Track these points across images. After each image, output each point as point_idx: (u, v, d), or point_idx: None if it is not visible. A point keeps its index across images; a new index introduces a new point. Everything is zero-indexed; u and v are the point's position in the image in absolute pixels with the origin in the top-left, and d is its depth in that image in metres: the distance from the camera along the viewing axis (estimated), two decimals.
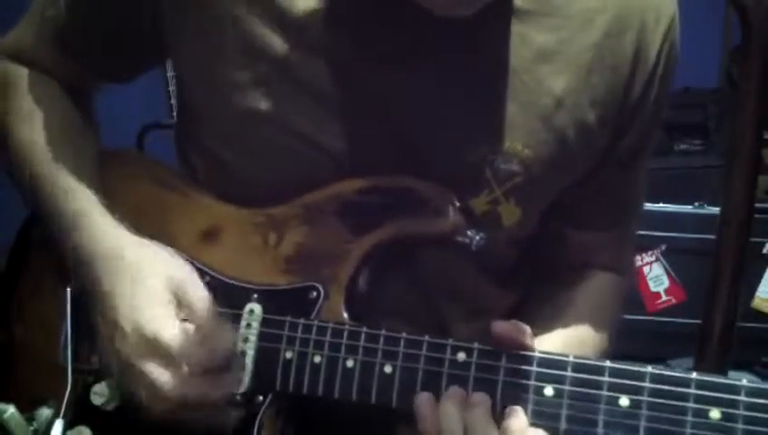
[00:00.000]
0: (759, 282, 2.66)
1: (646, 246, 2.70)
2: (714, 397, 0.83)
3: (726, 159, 1.50)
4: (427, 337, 0.91)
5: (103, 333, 0.95)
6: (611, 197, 1.09)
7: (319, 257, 0.97)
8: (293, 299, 0.96)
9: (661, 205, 2.69)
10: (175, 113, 1.28)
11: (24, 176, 1.04)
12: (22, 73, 1.09)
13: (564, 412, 0.86)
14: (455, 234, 0.95)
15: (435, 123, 0.97)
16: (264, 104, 0.97)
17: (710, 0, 3.19)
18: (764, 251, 2.66)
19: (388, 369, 0.91)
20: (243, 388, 0.94)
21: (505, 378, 0.88)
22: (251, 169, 1.01)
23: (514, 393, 0.88)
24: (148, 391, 0.91)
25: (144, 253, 0.96)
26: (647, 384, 0.85)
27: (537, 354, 0.88)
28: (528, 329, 0.89)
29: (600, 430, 0.85)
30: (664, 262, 2.72)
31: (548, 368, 0.88)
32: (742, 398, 0.82)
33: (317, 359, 0.93)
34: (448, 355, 0.90)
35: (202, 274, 0.98)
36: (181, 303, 0.94)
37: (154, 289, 0.93)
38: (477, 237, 0.95)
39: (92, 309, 0.97)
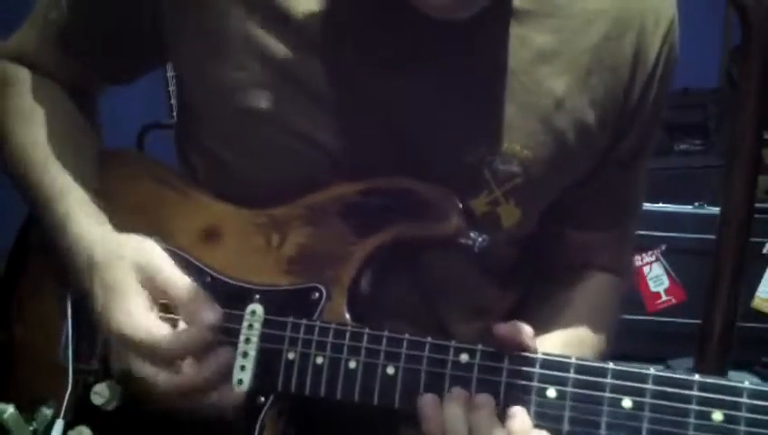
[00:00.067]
0: (759, 282, 2.67)
1: (646, 246, 2.71)
2: (716, 399, 0.83)
3: (726, 159, 1.51)
4: (429, 338, 0.91)
5: (102, 338, 0.97)
6: (611, 197, 1.09)
7: (321, 258, 0.97)
8: (296, 300, 0.96)
9: (661, 205, 2.70)
10: (175, 113, 1.28)
11: (23, 177, 1.04)
12: (23, 75, 1.09)
13: (567, 414, 0.86)
14: (457, 236, 0.95)
15: (434, 125, 0.97)
16: (263, 104, 0.97)
17: (710, 0, 3.20)
18: (764, 251, 2.67)
19: (390, 370, 0.91)
20: (245, 387, 0.94)
21: (508, 379, 0.88)
22: (251, 169, 1.01)
23: (517, 395, 0.88)
24: (142, 386, 0.92)
25: (110, 248, 0.96)
26: (649, 386, 0.85)
27: (540, 356, 0.88)
28: (530, 330, 0.89)
29: (602, 431, 0.85)
30: (664, 262, 2.72)
31: (551, 370, 0.88)
32: (744, 400, 0.82)
33: (319, 360, 0.93)
34: (451, 357, 0.90)
35: (203, 274, 0.99)
36: (155, 288, 0.94)
37: (124, 283, 0.93)
38: (480, 239, 0.95)
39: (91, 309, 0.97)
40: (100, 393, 0.98)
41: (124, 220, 1.01)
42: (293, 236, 0.98)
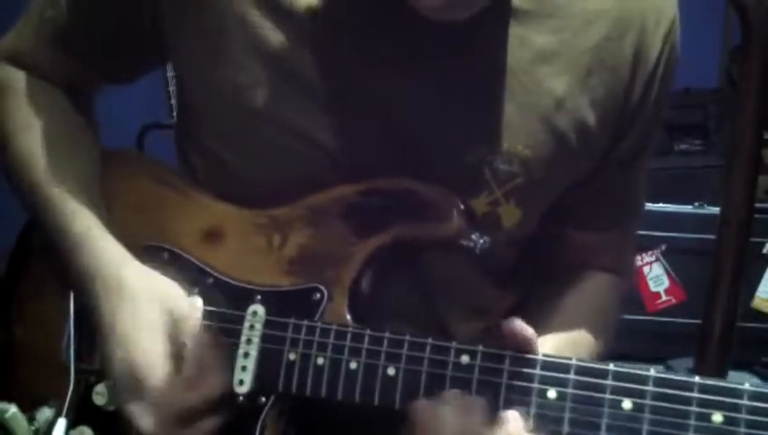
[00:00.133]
0: (759, 282, 2.67)
1: (646, 246, 2.71)
2: (716, 401, 0.83)
3: (726, 159, 1.51)
4: (430, 339, 0.91)
5: (102, 352, 0.97)
6: (612, 197, 1.09)
7: (322, 259, 0.97)
8: (297, 301, 0.96)
9: (661, 205, 2.69)
10: (175, 113, 1.28)
11: (23, 183, 1.04)
12: (19, 78, 1.08)
13: (567, 415, 0.86)
14: (458, 237, 0.95)
15: (434, 125, 0.97)
16: (263, 104, 0.97)
17: (710, 0, 3.19)
18: (764, 251, 2.67)
19: (391, 371, 0.91)
20: (246, 387, 0.94)
21: (508, 381, 0.88)
22: (251, 169, 1.01)
23: (517, 396, 0.88)
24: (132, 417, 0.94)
25: (142, 278, 0.97)
26: (650, 388, 0.85)
27: (540, 357, 0.88)
28: (533, 332, 0.89)
29: (602, 433, 0.85)
30: (664, 262, 2.72)
31: (551, 371, 0.88)
32: (744, 402, 0.82)
33: (320, 361, 0.93)
34: (452, 358, 0.90)
35: (206, 275, 0.99)
36: (175, 330, 0.94)
37: (148, 316, 0.94)
38: (481, 241, 0.95)
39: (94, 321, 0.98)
40: (102, 393, 0.99)
41: (124, 220, 1.01)
42: (294, 236, 0.98)
